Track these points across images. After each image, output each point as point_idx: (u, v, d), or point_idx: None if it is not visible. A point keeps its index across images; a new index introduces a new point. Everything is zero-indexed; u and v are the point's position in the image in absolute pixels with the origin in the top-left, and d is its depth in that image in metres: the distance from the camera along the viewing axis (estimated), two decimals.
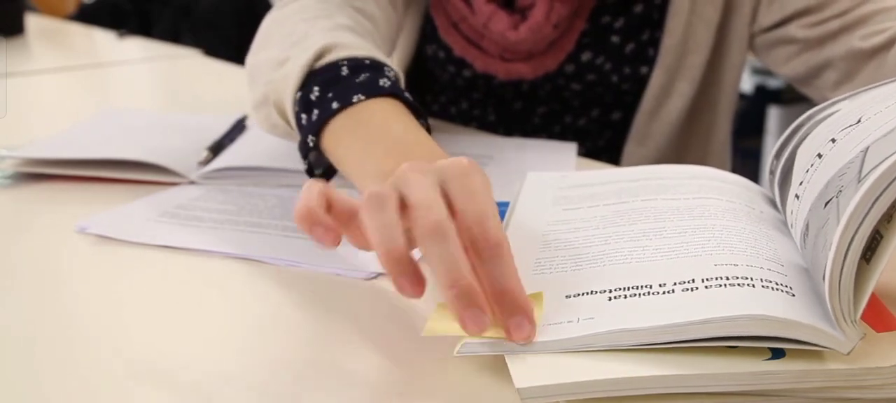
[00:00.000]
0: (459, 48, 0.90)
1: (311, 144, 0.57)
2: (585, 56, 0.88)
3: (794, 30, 0.83)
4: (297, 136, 0.61)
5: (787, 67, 0.86)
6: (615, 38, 0.88)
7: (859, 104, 0.43)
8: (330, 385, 0.41)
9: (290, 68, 0.61)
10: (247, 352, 0.44)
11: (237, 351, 0.44)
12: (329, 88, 0.57)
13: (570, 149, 0.83)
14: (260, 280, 0.53)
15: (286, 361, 0.43)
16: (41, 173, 0.73)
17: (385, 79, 0.58)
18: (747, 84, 2.81)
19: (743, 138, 1.88)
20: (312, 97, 0.58)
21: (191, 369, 0.42)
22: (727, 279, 0.38)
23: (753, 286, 0.38)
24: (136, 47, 1.58)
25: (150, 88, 1.15)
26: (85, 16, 2.24)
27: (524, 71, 0.89)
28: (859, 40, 0.77)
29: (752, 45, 0.90)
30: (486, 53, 0.89)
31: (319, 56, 0.60)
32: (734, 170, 1.00)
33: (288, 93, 0.60)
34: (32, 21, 1.85)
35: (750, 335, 0.35)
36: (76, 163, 0.72)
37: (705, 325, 0.35)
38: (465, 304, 0.38)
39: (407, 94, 0.58)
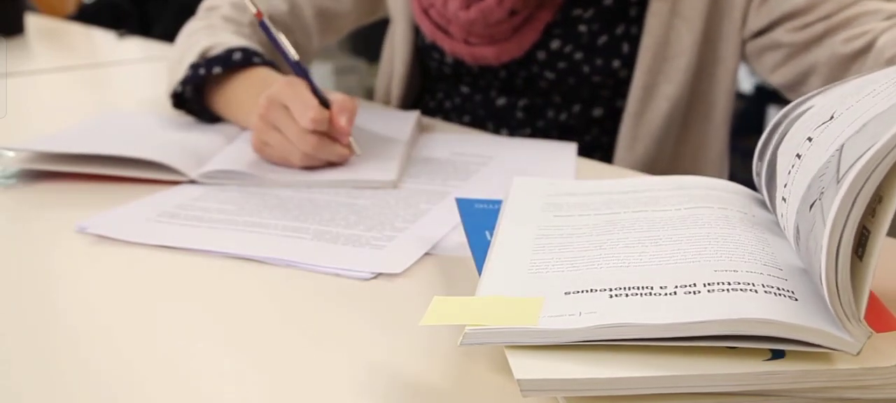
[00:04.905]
0: (430, 33, 0.97)
1: (187, 91, 0.85)
2: (555, 44, 0.92)
3: (781, 34, 0.85)
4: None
5: (776, 74, 0.88)
6: (583, 28, 0.91)
7: (831, 100, 0.43)
8: (330, 384, 0.41)
9: (186, 61, 0.87)
10: (247, 352, 0.44)
11: (237, 351, 0.44)
12: (213, 64, 0.84)
13: (569, 149, 0.83)
14: (260, 280, 0.53)
15: (286, 361, 0.43)
16: (41, 172, 0.73)
17: (257, 57, 0.85)
18: (747, 84, 2.81)
19: (743, 138, 1.88)
20: (201, 72, 0.84)
21: (191, 368, 0.42)
22: (729, 284, 0.38)
23: (755, 291, 0.38)
24: (136, 47, 1.58)
25: (150, 88, 1.15)
26: (85, 16, 2.24)
27: (488, 55, 0.93)
28: (841, 45, 0.80)
29: (743, 53, 0.92)
30: (452, 38, 0.94)
31: (204, 53, 0.87)
32: (734, 170, 1.00)
33: (179, 76, 0.87)
34: (32, 21, 1.85)
35: (755, 335, 0.35)
36: (77, 160, 0.72)
37: (711, 325, 0.35)
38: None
39: (265, 58, 0.86)
